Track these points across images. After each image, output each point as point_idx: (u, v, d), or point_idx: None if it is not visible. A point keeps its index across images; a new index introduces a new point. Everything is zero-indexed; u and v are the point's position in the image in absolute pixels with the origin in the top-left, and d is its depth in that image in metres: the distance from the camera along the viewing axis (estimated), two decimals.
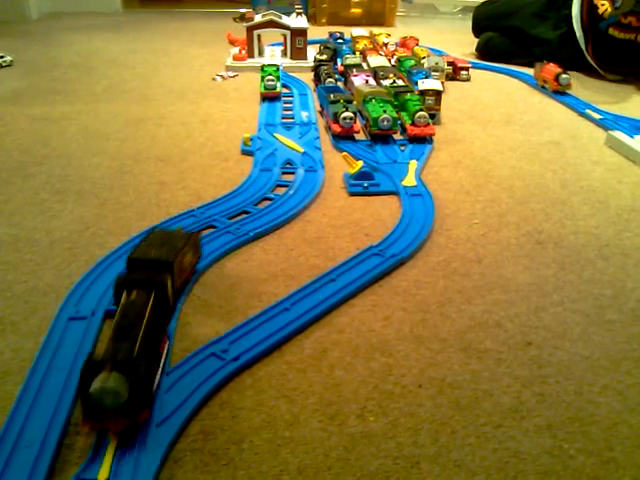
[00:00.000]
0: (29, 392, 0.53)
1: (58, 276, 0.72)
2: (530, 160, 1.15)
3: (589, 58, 1.87)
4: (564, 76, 1.60)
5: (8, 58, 1.86)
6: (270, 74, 1.50)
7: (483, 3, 2.26)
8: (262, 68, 1.55)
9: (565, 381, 0.57)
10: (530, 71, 1.85)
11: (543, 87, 1.69)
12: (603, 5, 1.77)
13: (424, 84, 1.35)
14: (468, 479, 0.47)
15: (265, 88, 1.47)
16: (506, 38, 2.08)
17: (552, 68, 1.65)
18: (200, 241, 0.75)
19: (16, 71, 1.80)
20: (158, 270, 0.61)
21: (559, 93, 1.61)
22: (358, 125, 1.22)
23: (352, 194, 0.97)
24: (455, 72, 1.80)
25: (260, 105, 1.44)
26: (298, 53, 1.90)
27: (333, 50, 1.89)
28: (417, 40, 2.09)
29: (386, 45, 2.03)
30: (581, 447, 0.50)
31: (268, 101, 1.46)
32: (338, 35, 2.25)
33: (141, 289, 0.58)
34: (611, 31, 1.77)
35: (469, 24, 2.31)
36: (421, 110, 1.20)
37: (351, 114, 1.19)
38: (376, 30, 2.27)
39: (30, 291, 0.69)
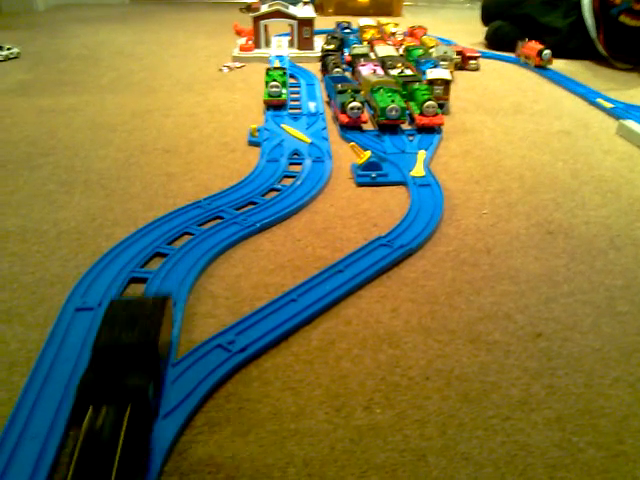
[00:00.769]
0: (35, 383, 0.53)
1: (65, 267, 0.72)
2: (540, 150, 1.13)
3: (600, 47, 1.85)
4: (546, 52, 1.78)
5: (15, 50, 1.87)
6: (275, 79, 1.33)
7: None
8: (267, 72, 1.40)
9: (575, 373, 0.57)
10: None
11: (525, 63, 1.86)
12: None
13: (432, 73, 1.34)
14: (476, 472, 0.46)
15: (269, 95, 1.32)
16: (515, 27, 2.06)
17: (534, 45, 1.83)
18: (172, 306, 0.60)
19: (23, 63, 1.80)
20: (135, 366, 0.46)
21: (541, 67, 1.79)
22: (366, 115, 1.21)
23: (360, 185, 0.96)
24: (464, 61, 1.79)
25: None
26: (305, 43, 1.89)
27: (340, 40, 1.88)
28: (425, 29, 2.08)
29: (394, 34, 2.02)
30: (591, 440, 0.49)
31: (273, 109, 1.32)
32: (345, 25, 2.23)
33: (112, 404, 0.43)
34: (622, 18, 1.74)
35: (477, 14, 2.29)
36: (429, 100, 1.18)
37: (359, 104, 1.18)
38: (383, 20, 2.25)
39: (37, 282, 0.69)
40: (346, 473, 0.46)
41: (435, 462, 0.47)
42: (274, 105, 1.33)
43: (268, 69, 1.42)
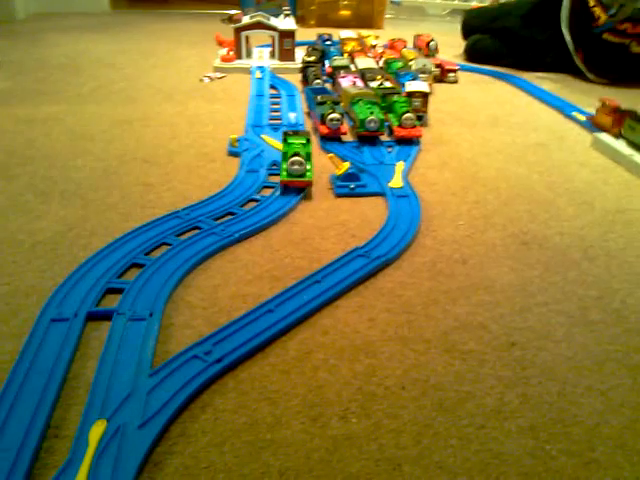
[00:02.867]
0: (8, 395, 0.52)
1: (41, 278, 0.72)
2: (516, 162, 1.15)
3: (578, 60, 1.88)
4: (432, 43, 2.07)
5: None
6: (297, 153, 0.96)
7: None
8: (285, 138, 1.03)
9: (548, 382, 0.57)
10: (518, 73, 1.87)
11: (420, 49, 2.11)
12: (595, 11, 1.78)
13: (411, 86, 1.35)
14: None
15: (289, 174, 0.96)
16: (494, 40, 2.09)
17: (424, 38, 2.11)
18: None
19: (2, 72, 1.78)
20: None
21: (430, 57, 1.96)
22: (345, 126, 1.22)
23: (338, 195, 0.97)
24: (442, 74, 1.81)
25: (248, 106, 1.43)
26: (286, 55, 1.90)
27: (321, 52, 1.90)
28: (405, 42, 2.10)
29: (374, 47, 2.04)
30: (563, 448, 0.50)
31: (296, 193, 0.95)
32: (326, 37, 2.25)
33: None
34: (606, 36, 1.78)
35: (457, 27, 2.32)
36: (408, 112, 1.20)
37: (338, 115, 1.19)
38: (364, 32, 2.27)
39: (12, 293, 0.69)
40: None
41: (410, 471, 0.47)
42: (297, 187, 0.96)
43: (285, 133, 1.04)
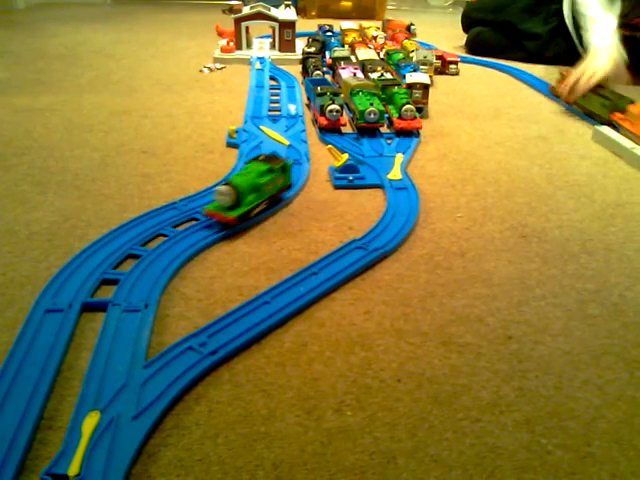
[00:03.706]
0: (2, 385, 0.52)
1: (36, 268, 0.71)
2: (517, 154, 1.15)
3: (582, 51, 1.86)
4: (413, 27, 2.18)
5: None
6: (229, 182, 0.78)
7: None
8: (249, 161, 0.87)
9: (545, 376, 0.57)
10: (519, 65, 1.86)
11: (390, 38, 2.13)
12: None
13: (412, 77, 1.34)
14: (445, 474, 0.46)
15: (214, 206, 0.80)
16: (496, 32, 2.08)
17: (400, 22, 2.22)
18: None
19: (0, 62, 1.78)
20: None
21: (407, 38, 1.99)
22: (345, 118, 1.21)
23: (337, 187, 0.96)
24: (444, 66, 1.80)
25: (247, 97, 1.42)
26: (286, 45, 1.89)
27: (321, 43, 1.89)
28: (406, 33, 2.09)
29: (375, 38, 2.02)
30: (559, 442, 0.50)
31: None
32: (327, 28, 2.24)
33: None
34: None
35: (459, 18, 2.30)
36: (408, 103, 1.19)
37: (338, 107, 1.18)
38: (366, 23, 2.26)
39: (7, 284, 0.68)
40: (315, 476, 0.46)
41: (405, 464, 0.47)
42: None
43: (255, 157, 0.87)
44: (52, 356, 0.56)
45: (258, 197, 0.82)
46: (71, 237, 0.78)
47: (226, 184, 0.79)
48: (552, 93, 1.56)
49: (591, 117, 1.36)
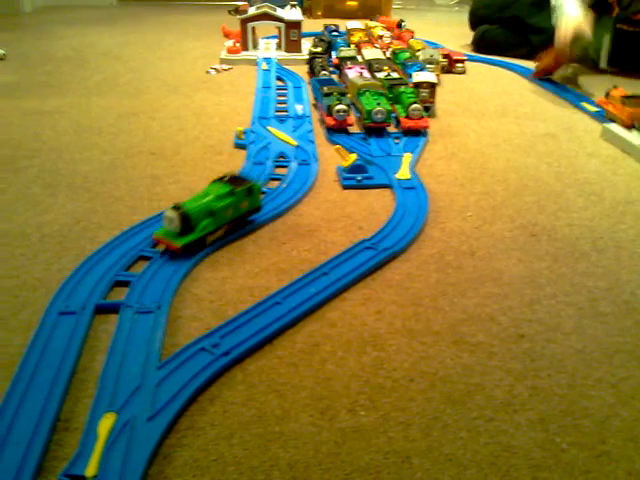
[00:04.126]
0: (18, 388, 0.52)
1: (48, 270, 0.72)
2: (525, 152, 1.14)
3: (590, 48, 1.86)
4: (404, 23, 2.16)
5: (1, 52, 1.85)
6: (176, 205, 0.73)
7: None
8: (212, 181, 0.79)
9: (558, 374, 0.57)
10: (527, 64, 1.85)
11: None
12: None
13: (418, 76, 1.34)
14: (459, 473, 0.46)
15: (162, 231, 0.74)
16: (503, 30, 2.07)
17: (388, 19, 2.25)
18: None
19: (8, 65, 1.79)
20: None
21: (400, 34, 2.06)
22: (352, 118, 1.21)
23: (345, 187, 0.96)
24: (450, 64, 1.80)
25: (254, 98, 1.42)
26: (292, 46, 1.89)
27: (328, 43, 1.89)
28: (412, 32, 2.09)
29: (381, 38, 2.02)
30: (573, 441, 0.50)
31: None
32: (333, 28, 2.24)
33: None
34: (619, 25, 1.77)
35: (465, 17, 2.30)
36: (415, 103, 1.19)
37: (345, 107, 1.18)
38: (371, 23, 2.25)
39: (20, 286, 0.69)
40: (330, 476, 0.46)
41: (419, 464, 0.47)
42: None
43: (221, 177, 0.80)
44: (67, 358, 0.56)
45: (214, 222, 0.76)
46: (82, 239, 0.79)
47: (174, 208, 0.73)
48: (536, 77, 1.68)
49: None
